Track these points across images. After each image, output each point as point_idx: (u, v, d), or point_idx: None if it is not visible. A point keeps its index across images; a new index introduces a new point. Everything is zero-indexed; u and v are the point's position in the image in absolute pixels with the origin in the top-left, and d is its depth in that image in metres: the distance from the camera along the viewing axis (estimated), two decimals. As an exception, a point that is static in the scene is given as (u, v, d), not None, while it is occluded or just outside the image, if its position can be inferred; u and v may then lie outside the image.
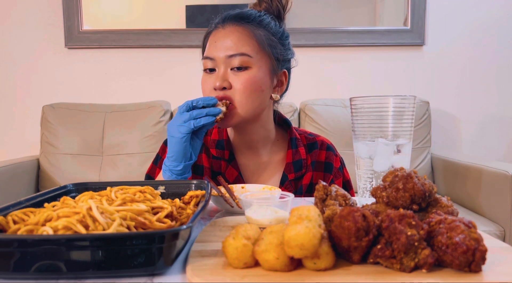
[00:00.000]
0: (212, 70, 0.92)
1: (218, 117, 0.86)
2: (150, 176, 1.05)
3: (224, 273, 0.43)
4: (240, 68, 0.89)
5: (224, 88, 0.89)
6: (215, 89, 0.89)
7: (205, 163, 1.02)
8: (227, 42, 0.90)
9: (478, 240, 0.42)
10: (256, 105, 0.92)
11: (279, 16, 1.02)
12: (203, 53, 0.97)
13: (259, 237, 0.47)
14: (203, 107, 0.86)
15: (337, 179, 1.02)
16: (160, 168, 1.01)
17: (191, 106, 0.85)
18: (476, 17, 2.45)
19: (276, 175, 1.00)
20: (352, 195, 1.02)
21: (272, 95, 0.96)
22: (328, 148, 1.04)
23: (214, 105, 0.86)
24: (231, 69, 0.90)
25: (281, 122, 1.07)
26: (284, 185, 0.99)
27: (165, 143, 1.06)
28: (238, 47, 0.89)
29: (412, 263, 0.43)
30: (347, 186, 1.05)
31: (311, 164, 1.01)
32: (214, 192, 0.74)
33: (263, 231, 0.48)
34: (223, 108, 0.87)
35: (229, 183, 0.96)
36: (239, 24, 0.92)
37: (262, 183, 1.00)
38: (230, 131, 1.03)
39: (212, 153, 1.02)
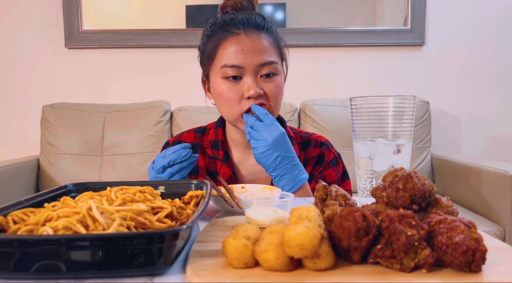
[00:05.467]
0: (235, 77, 0.91)
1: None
2: None
3: (224, 273, 0.43)
4: (268, 75, 0.92)
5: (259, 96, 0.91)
6: (249, 97, 0.90)
7: (201, 163, 1.05)
8: (257, 50, 0.90)
9: (478, 240, 0.42)
10: (280, 107, 0.97)
11: (253, 10, 1.02)
12: (212, 58, 0.94)
13: (259, 237, 0.47)
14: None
15: (325, 170, 1.04)
16: None
17: (167, 165, 0.84)
18: (475, 17, 2.45)
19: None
20: (348, 186, 1.06)
21: None
22: (322, 144, 1.06)
23: (191, 156, 0.85)
24: (260, 76, 0.91)
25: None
26: None
27: (164, 146, 1.08)
28: (268, 55, 0.91)
29: (412, 263, 0.43)
30: (343, 176, 1.07)
31: (304, 160, 1.04)
32: (214, 192, 0.74)
33: (263, 231, 0.48)
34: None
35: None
36: (260, 32, 0.93)
37: (254, 181, 1.03)
38: (230, 132, 1.04)
39: (208, 153, 1.04)
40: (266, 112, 0.88)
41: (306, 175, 0.89)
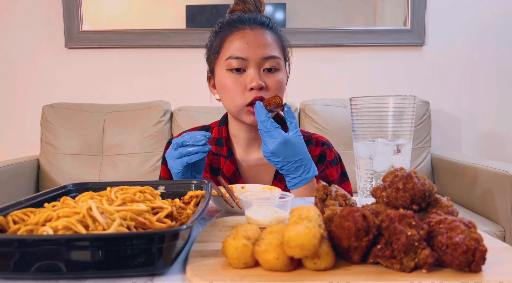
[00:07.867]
0: (238, 70, 0.95)
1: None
2: (166, 177, 1.08)
3: (224, 273, 0.43)
4: (270, 70, 0.95)
5: (261, 88, 0.93)
6: (252, 88, 0.93)
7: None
8: (261, 44, 0.94)
9: (478, 240, 0.42)
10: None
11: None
12: (218, 52, 0.98)
13: (259, 237, 0.47)
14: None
15: (327, 169, 1.06)
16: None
17: (181, 144, 0.86)
18: (475, 17, 2.45)
19: (270, 169, 1.06)
20: (349, 187, 1.07)
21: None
22: (323, 144, 1.09)
23: (204, 145, 0.86)
24: (263, 70, 0.95)
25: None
26: (277, 178, 1.04)
27: (168, 143, 1.10)
28: (271, 49, 0.95)
29: (412, 263, 0.43)
30: (343, 177, 1.09)
31: None
32: (214, 192, 0.74)
33: (263, 231, 0.48)
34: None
35: (227, 178, 1.01)
36: (265, 28, 0.97)
37: (257, 177, 1.05)
38: (233, 129, 1.07)
39: (212, 150, 1.07)
40: (268, 117, 0.88)
41: (311, 174, 0.90)
